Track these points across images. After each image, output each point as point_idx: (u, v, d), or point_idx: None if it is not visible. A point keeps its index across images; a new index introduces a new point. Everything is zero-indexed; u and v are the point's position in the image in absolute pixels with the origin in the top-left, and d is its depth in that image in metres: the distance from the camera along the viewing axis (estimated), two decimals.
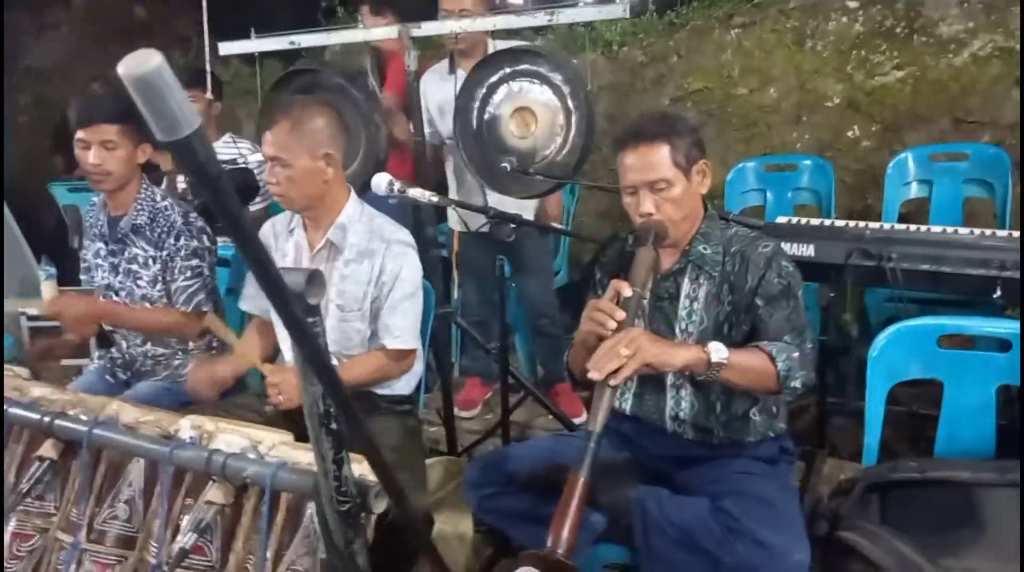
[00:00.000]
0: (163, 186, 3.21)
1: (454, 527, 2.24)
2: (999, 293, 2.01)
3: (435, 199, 2.01)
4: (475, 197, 2.63)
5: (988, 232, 2.25)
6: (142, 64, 0.41)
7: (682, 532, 1.47)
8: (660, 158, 1.62)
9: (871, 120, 3.72)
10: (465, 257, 2.85)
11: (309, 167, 1.91)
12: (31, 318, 3.78)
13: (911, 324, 1.69)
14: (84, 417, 1.49)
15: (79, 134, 2.15)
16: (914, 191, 3.08)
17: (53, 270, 3.62)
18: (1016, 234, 2.23)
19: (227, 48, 2.54)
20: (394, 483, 1.06)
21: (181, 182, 2.96)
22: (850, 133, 3.76)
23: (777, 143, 3.88)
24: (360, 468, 1.37)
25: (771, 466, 1.68)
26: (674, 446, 1.73)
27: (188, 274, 2.23)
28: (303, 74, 2.50)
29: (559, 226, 2.93)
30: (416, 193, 2.01)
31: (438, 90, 2.73)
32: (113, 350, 2.38)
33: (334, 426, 1.10)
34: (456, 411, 3.22)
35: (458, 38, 2.50)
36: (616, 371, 1.37)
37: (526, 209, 2.84)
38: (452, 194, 2.90)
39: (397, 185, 2.00)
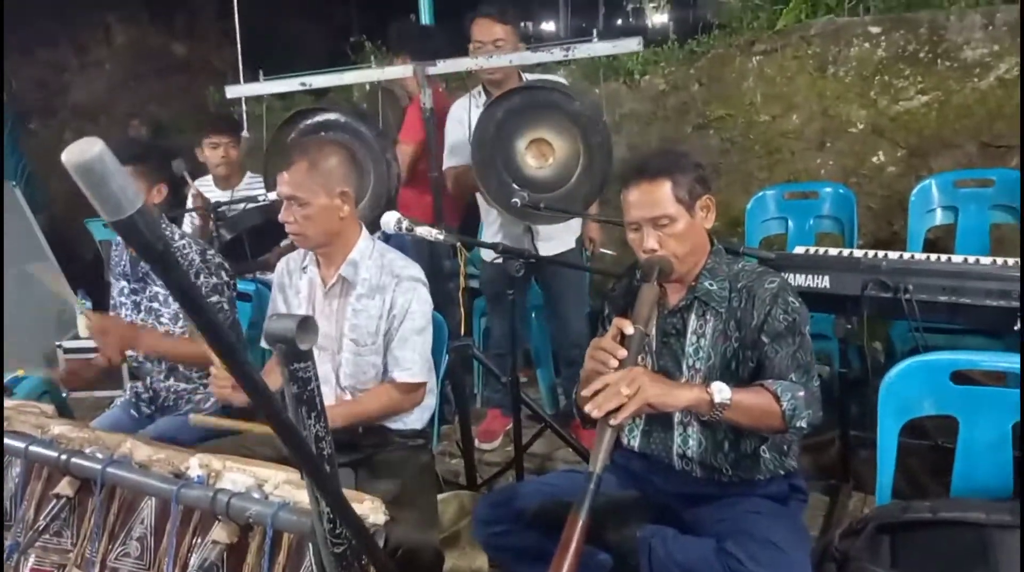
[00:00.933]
0: (190, 223, 3.31)
1: (469, 563, 2.24)
2: (1020, 325, 1.96)
3: (441, 237, 2.04)
4: (516, 225, 2.65)
5: (1011, 262, 2.20)
6: (85, 151, 0.44)
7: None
8: (662, 194, 1.63)
9: (896, 146, 3.68)
10: (491, 288, 2.86)
11: (326, 205, 1.95)
12: (67, 351, 3.91)
13: (922, 359, 1.66)
14: (99, 455, 1.53)
15: None
16: (939, 218, 3.03)
17: (89, 304, 3.75)
18: None
19: (234, 91, 2.60)
20: (352, 515, 1.05)
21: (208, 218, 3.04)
22: (875, 159, 3.73)
23: (801, 169, 3.86)
24: (360, 508, 1.39)
25: (781, 505, 1.65)
26: (682, 484, 1.72)
27: None
28: (312, 113, 2.56)
29: (570, 261, 2.92)
30: (423, 231, 2.04)
31: (473, 116, 2.75)
32: (139, 385, 2.45)
33: (327, 469, 1.11)
34: (477, 443, 3.24)
35: (492, 71, 2.54)
36: (617, 410, 1.37)
37: (567, 235, 2.85)
38: (489, 222, 2.91)
39: (405, 223, 2.03)
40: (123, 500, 1.52)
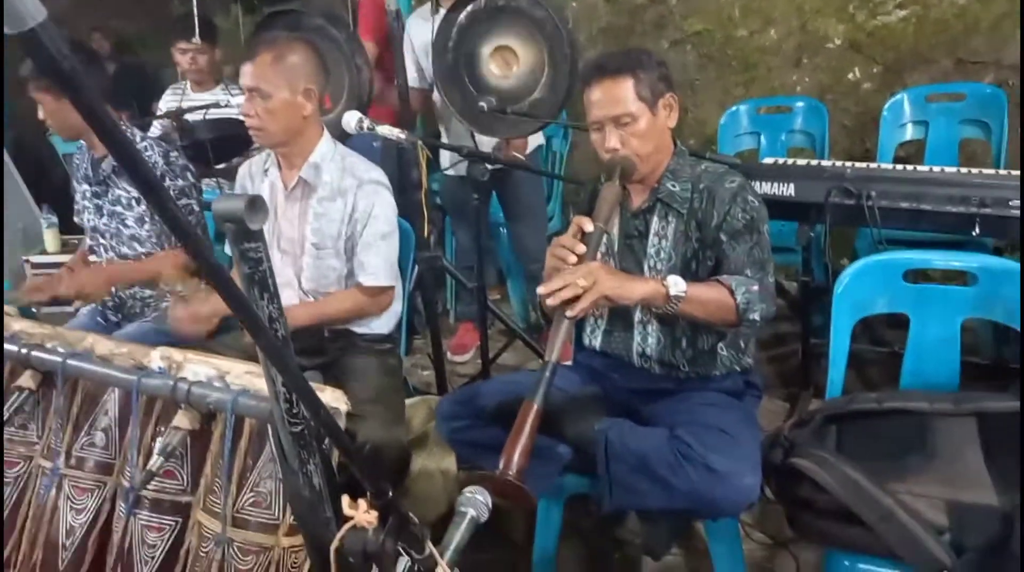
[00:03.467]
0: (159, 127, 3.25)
1: (438, 464, 2.29)
2: (978, 230, 2.00)
3: (403, 136, 2.01)
4: (464, 141, 2.62)
5: (975, 171, 2.22)
6: None
7: (640, 459, 1.51)
8: (624, 92, 1.62)
9: (872, 62, 3.64)
10: (453, 201, 2.85)
11: (288, 100, 1.91)
12: (35, 266, 3.86)
13: (877, 258, 1.69)
14: (61, 349, 1.53)
15: None
16: (910, 133, 3.04)
17: (54, 219, 3.69)
18: (1003, 172, 2.20)
19: None
20: (306, 387, 1.07)
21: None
22: (851, 75, 3.69)
23: (777, 86, 3.82)
24: (322, 396, 1.42)
25: (735, 399, 1.70)
26: (641, 380, 1.76)
27: None
28: (285, 15, 2.48)
29: (525, 162, 2.89)
30: (384, 130, 2.01)
31: (421, 31, 2.71)
32: None
33: (284, 348, 1.13)
34: (449, 356, 3.29)
35: None
36: (573, 303, 1.39)
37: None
38: (443, 139, 2.89)
39: (366, 122, 2.00)
40: (86, 392, 1.54)
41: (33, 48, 0.47)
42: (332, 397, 1.41)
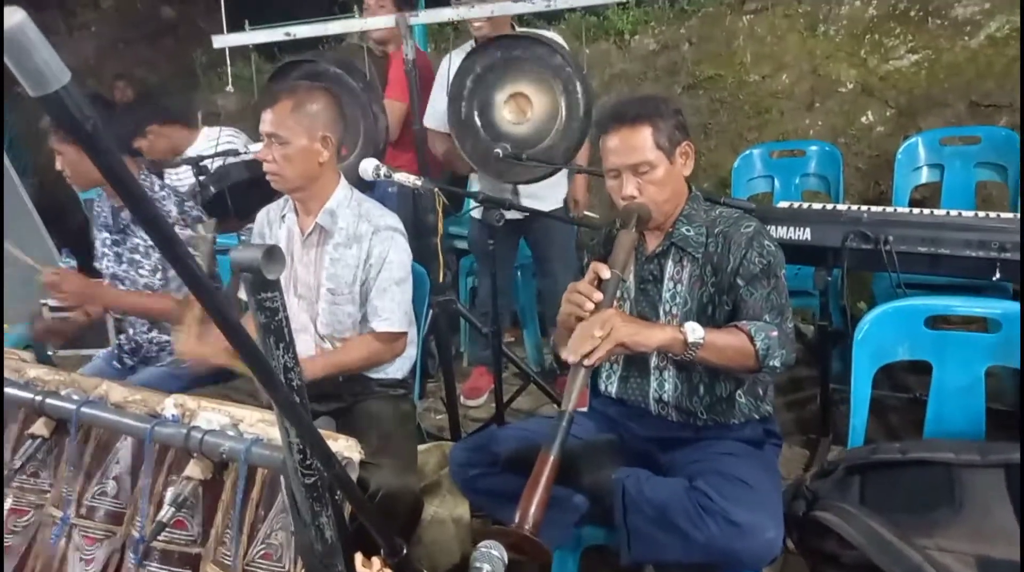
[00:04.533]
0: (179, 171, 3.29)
1: (450, 511, 2.26)
2: (998, 275, 1.97)
3: (419, 183, 2.03)
4: (498, 187, 2.62)
5: (992, 214, 2.21)
6: (5, 22, 0.43)
7: (658, 511, 1.47)
8: (642, 140, 1.62)
9: (885, 105, 3.66)
10: (478, 245, 2.84)
11: (306, 147, 1.94)
12: (53, 309, 3.90)
13: (898, 304, 1.66)
14: (75, 396, 1.53)
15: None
16: (925, 176, 3.03)
17: (74, 262, 3.72)
18: (1007, 216, 2.18)
19: (221, 41, 2.57)
20: (319, 439, 1.05)
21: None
22: (864, 119, 3.71)
23: (790, 129, 3.84)
24: (335, 445, 1.40)
25: (755, 448, 1.67)
26: (658, 428, 1.73)
27: None
28: (301, 64, 2.53)
29: (555, 214, 2.90)
30: (401, 177, 2.03)
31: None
32: (121, 337, 2.45)
33: (296, 399, 1.12)
34: (462, 400, 3.26)
35: (481, 26, 2.51)
36: (590, 352, 1.37)
37: (552, 196, 2.83)
38: (474, 184, 2.88)
39: (383, 170, 2.02)
40: (99, 440, 1.53)
41: (56, 110, 0.47)
42: (345, 446, 1.39)
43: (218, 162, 3.07)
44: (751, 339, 1.49)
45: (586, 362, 1.38)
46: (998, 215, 2.19)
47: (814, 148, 3.17)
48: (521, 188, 2.62)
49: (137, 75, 6.74)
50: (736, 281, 1.61)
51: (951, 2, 3.50)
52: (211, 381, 2.27)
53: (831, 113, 3.79)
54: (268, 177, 1.99)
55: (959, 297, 1.71)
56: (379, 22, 2.46)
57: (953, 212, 2.22)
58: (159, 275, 2.32)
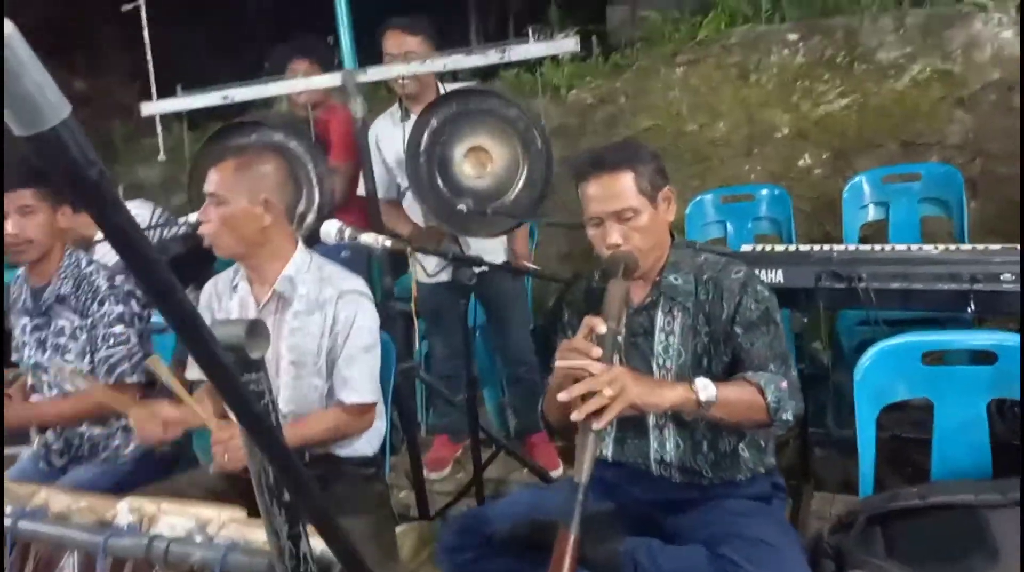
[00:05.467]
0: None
1: None
2: (972, 307, 1.97)
3: (389, 243, 1.91)
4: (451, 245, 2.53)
5: (952, 247, 2.23)
6: None
7: None
8: (625, 186, 1.56)
9: (821, 148, 3.76)
10: (430, 308, 2.73)
11: (245, 210, 1.82)
12: None
13: (893, 343, 1.62)
14: (9, 509, 1.32)
15: None
16: (872, 214, 3.08)
17: None
18: (980, 247, 2.21)
19: (150, 108, 2.41)
20: (356, 558, 0.93)
21: None
22: (801, 162, 3.79)
23: (731, 175, 3.90)
24: (321, 543, 1.24)
25: (765, 504, 1.58)
26: (661, 490, 1.62)
27: (111, 342, 2.08)
28: (240, 127, 2.40)
29: (526, 266, 2.83)
30: (369, 238, 1.91)
31: (391, 138, 2.64)
32: (48, 434, 2.20)
33: (287, 497, 0.97)
34: (425, 472, 3.08)
35: (405, 83, 2.44)
36: (599, 414, 1.27)
37: (498, 251, 2.76)
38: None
39: (348, 231, 1.90)
40: (39, 558, 1.31)
41: (51, 152, 0.34)
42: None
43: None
44: (761, 392, 1.41)
45: (595, 425, 1.27)
46: (958, 247, 2.21)
47: (764, 192, 3.20)
48: (470, 241, 2.53)
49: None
50: (734, 329, 1.54)
51: (875, 48, 3.65)
52: (158, 475, 2.06)
53: (769, 158, 3.87)
54: (207, 239, 1.84)
55: (954, 331, 1.68)
56: (324, 81, 2.36)
57: (914, 246, 2.24)
58: (87, 359, 2.11)
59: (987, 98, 3.40)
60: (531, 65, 4.57)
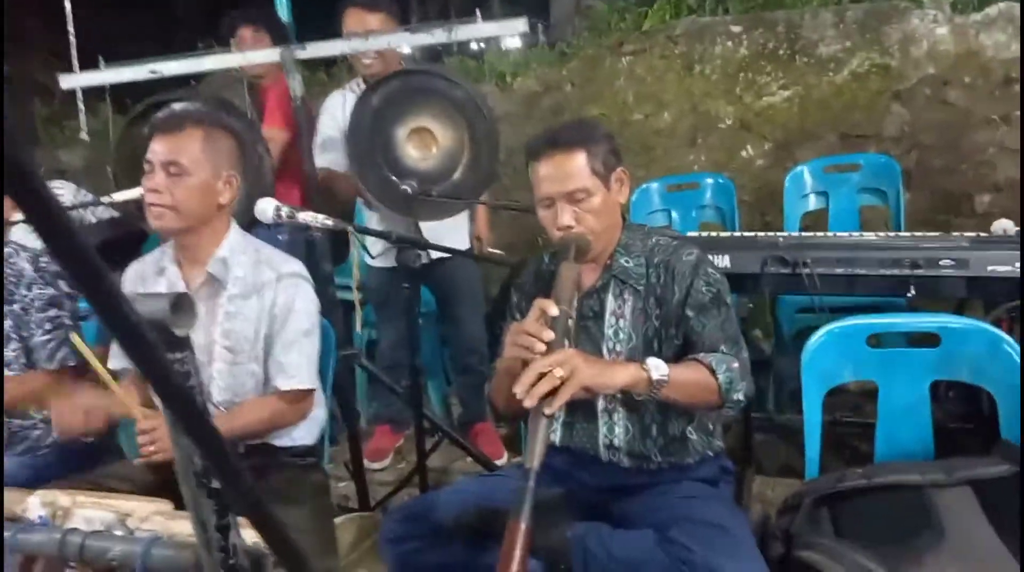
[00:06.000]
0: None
1: None
2: (913, 292, 2.00)
3: (329, 223, 1.83)
4: (398, 225, 2.43)
5: (892, 234, 2.26)
6: None
7: (629, 568, 1.33)
8: (577, 166, 1.51)
9: (763, 139, 3.80)
10: (376, 294, 2.63)
11: (207, 184, 1.71)
12: None
13: (842, 324, 1.63)
14: None
15: None
16: (812, 203, 3.12)
17: None
18: (919, 234, 2.25)
19: (70, 81, 2.26)
20: (291, 549, 0.86)
21: None
22: (744, 153, 3.83)
23: (675, 165, 3.91)
24: (252, 534, 1.16)
25: (714, 488, 1.56)
26: (611, 476, 1.59)
27: (47, 326, 1.97)
28: (168, 104, 2.27)
29: (491, 252, 2.77)
30: (307, 217, 1.82)
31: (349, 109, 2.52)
32: None
33: (216, 485, 0.89)
34: (366, 463, 3.00)
35: (371, 63, 2.36)
36: (551, 397, 1.22)
37: (455, 235, 2.68)
38: (372, 224, 2.67)
39: (285, 210, 1.80)
40: None
41: None
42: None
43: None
44: (713, 372, 1.39)
45: (547, 410, 1.22)
46: (897, 234, 2.25)
47: (709, 181, 3.22)
48: (424, 226, 2.46)
49: None
50: (685, 312, 1.52)
51: (815, 41, 3.70)
52: (77, 467, 1.93)
53: (713, 148, 3.89)
54: (154, 211, 1.71)
55: (899, 314, 1.69)
56: (260, 56, 2.26)
57: (855, 234, 2.26)
58: (12, 345, 1.98)
59: (922, 92, 3.49)
60: (475, 53, 4.52)
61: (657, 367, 1.34)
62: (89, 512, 1.17)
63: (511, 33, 2.08)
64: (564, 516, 1.55)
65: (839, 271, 2.08)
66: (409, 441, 3.18)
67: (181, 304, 0.83)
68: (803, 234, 2.35)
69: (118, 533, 1.12)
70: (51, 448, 2.03)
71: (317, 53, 2.24)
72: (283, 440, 1.84)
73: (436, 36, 2.13)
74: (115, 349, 1.93)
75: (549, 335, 1.30)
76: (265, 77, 2.72)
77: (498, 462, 2.82)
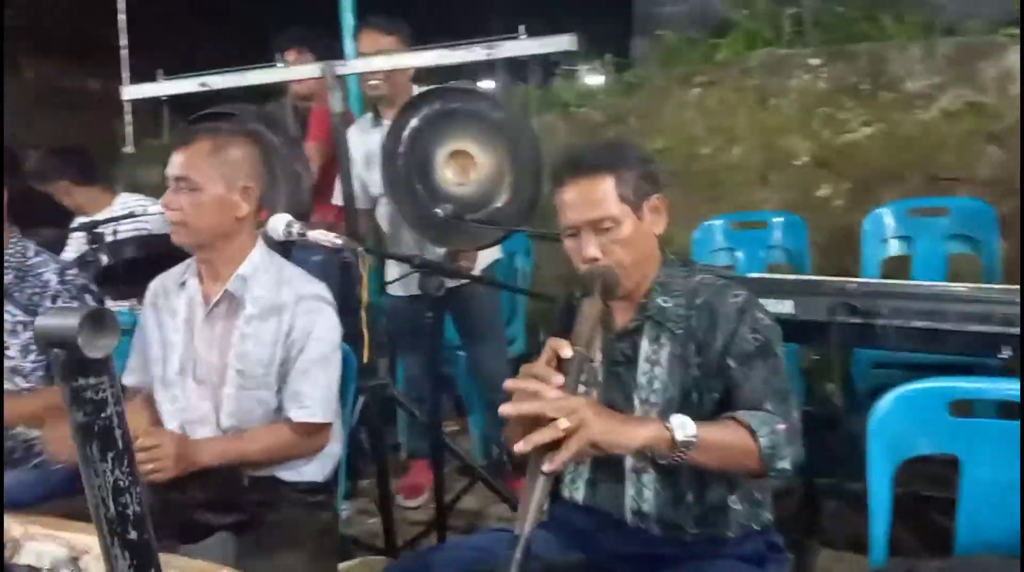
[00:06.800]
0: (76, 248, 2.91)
1: None
2: (1007, 353, 1.74)
3: (339, 242, 1.72)
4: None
5: (984, 286, 2.00)
6: None
7: None
8: (604, 193, 1.36)
9: (841, 178, 3.55)
10: (401, 323, 2.53)
11: (222, 197, 1.65)
12: None
13: (917, 387, 1.39)
14: None
15: None
16: (893, 249, 2.86)
17: None
18: (1013, 287, 1.98)
19: (130, 93, 2.26)
20: None
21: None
22: (820, 192, 3.58)
23: (744, 202, 3.69)
24: None
25: (759, 569, 1.35)
26: (637, 544, 1.39)
27: None
28: (216, 118, 2.23)
29: (476, 274, 2.63)
30: (317, 235, 1.71)
31: (362, 144, 2.47)
32: None
33: (133, 535, 0.76)
34: (400, 499, 2.86)
35: (376, 84, 2.29)
36: (552, 451, 1.05)
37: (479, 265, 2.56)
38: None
39: (296, 227, 1.70)
40: None
41: None
42: None
43: (123, 233, 2.72)
44: (753, 434, 1.19)
45: (546, 467, 1.05)
46: (991, 286, 1.99)
47: (778, 219, 3.00)
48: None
49: (51, 144, 6.38)
50: (727, 362, 1.32)
51: (902, 77, 3.44)
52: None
53: (785, 186, 3.66)
54: (171, 229, 1.65)
55: (985, 379, 1.45)
56: (303, 71, 2.20)
57: (953, 285, 2.01)
58: (31, 357, 1.94)
59: (1020, 132, 3.17)
60: (540, 80, 4.43)
61: (683, 426, 1.15)
62: (40, 546, 1.07)
63: (556, 48, 1.94)
64: None
65: (919, 324, 1.84)
66: (447, 478, 3.03)
67: (98, 320, 0.71)
68: (878, 281, 2.10)
69: None
70: (64, 464, 1.97)
71: (358, 69, 2.17)
72: (291, 474, 1.72)
73: (476, 54, 2.02)
74: (132, 364, 1.86)
75: (558, 379, 1.13)
76: (313, 99, 2.69)
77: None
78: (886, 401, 1.40)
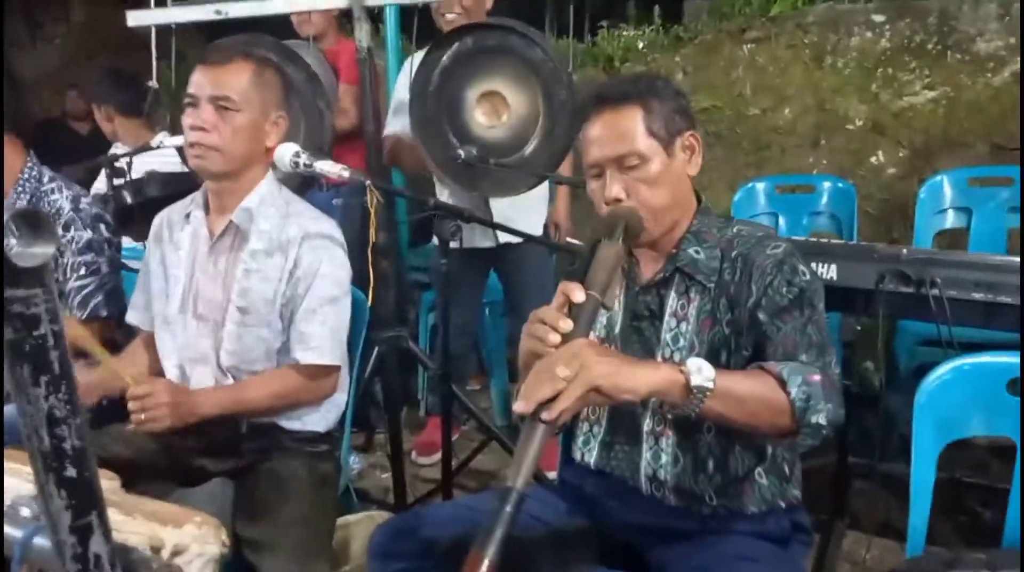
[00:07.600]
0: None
1: None
2: None
3: (347, 174, 1.61)
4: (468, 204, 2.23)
5: None
6: None
7: None
8: (630, 126, 1.23)
9: (898, 145, 3.34)
10: (450, 277, 2.43)
11: (258, 123, 1.57)
12: None
13: (975, 361, 1.26)
14: None
15: None
16: (950, 220, 2.67)
17: None
18: None
19: (136, 19, 2.17)
20: None
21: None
22: (874, 159, 3.38)
23: (792, 168, 3.51)
24: (180, 533, 0.95)
25: (781, 548, 1.24)
26: (651, 514, 1.28)
27: (82, 271, 1.91)
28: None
29: (567, 240, 2.52)
30: (325, 166, 1.61)
31: None
32: None
33: (71, 473, 0.68)
34: (414, 456, 2.80)
35: (453, 17, 2.16)
36: (552, 400, 0.95)
37: (530, 219, 2.44)
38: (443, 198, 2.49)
39: (303, 157, 1.60)
40: None
41: None
42: (196, 535, 0.94)
43: (145, 169, 2.66)
44: (783, 384, 1.06)
45: (544, 416, 0.95)
46: None
47: (826, 184, 2.81)
48: (494, 205, 2.21)
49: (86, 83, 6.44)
50: (757, 315, 1.19)
51: (973, 36, 3.20)
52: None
53: (838, 151, 3.46)
54: (194, 151, 1.55)
55: None
56: (328, 2, 2.07)
57: (1014, 258, 1.84)
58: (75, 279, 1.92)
59: None
60: (583, 34, 4.24)
61: (699, 370, 1.02)
62: (9, 481, 1.00)
63: None
64: (587, 555, 1.28)
65: (976, 297, 1.68)
66: (466, 437, 2.96)
67: (33, 222, 0.61)
68: (932, 250, 1.94)
69: (22, 513, 0.94)
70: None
71: (392, 0, 2.04)
72: (292, 423, 1.64)
73: None
74: (135, 300, 1.80)
75: (566, 325, 1.02)
76: (323, 38, 2.56)
77: (550, 475, 2.56)
78: (938, 374, 1.26)
